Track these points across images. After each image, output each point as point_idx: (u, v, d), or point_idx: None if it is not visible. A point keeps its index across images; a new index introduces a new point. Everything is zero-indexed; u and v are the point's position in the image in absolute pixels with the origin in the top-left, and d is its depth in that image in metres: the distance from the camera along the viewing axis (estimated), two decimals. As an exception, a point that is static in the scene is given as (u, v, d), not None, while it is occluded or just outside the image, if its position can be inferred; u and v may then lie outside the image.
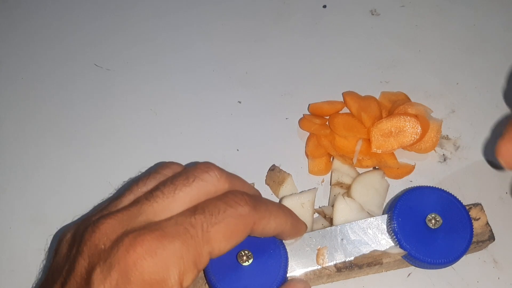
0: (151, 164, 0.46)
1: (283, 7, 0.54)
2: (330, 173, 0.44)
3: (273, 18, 0.53)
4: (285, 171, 0.44)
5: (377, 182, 0.42)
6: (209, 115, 0.48)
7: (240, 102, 0.49)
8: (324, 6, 0.54)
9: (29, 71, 0.51)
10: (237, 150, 0.47)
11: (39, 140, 0.48)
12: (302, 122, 0.47)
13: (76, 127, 0.48)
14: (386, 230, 0.38)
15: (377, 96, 0.48)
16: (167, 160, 0.46)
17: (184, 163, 0.46)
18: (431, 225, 0.37)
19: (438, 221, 0.37)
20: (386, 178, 0.43)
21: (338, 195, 0.41)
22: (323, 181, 0.44)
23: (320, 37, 0.52)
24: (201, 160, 0.46)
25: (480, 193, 0.43)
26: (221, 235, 0.29)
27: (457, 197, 0.39)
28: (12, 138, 0.48)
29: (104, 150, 0.47)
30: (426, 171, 0.45)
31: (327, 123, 0.46)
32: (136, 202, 0.31)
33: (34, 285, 0.40)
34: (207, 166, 0.32)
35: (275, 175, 0.44)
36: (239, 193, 0.31)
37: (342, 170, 0.44)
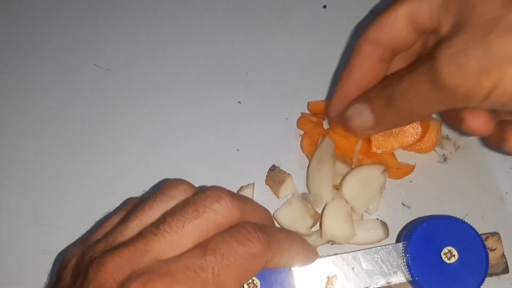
0: (152, 164, 0.46)
1: (283, 7, 0.54)
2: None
3: (273, 18, 0.53)
4: (285, 171, 0.44)
5: (372, 177, 0.42)
6: (209, 115, 0.48)
7: (240, 102, 0.49)
8: (324, 6, 0.54)
9: (29, 72, 0.51)
10: (237, 150, 0.47)
11: (39, 140, 0.48)
12: (299, 121, 0.47)
13: (76, 127, 0.48)
14: (399, 259, 0.37)
15: (377, 96, 0.48)
16: (167, 161, 0.46)
17: (184, 163, 0.46)
18: (446, 260, 0.36)
19: (454, 255, 0.36)
20: (385, 176, 0.43)
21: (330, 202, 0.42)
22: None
23: (320, 37, 0.52)
24: (201, 160, 0.46)
25: (480, 193, 0.43)
26: (232, 277, 0.28)
27: (471, 224, 0.38)
28: (12, 138, 0.48)
29: (104, 150, 0.47)
30: (426, 171, 0.45)
31: (323, 122, 0.46)
32: (142, 236, 0.29)
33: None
34: (218, 194, 0.30)
35: (275, 175, 0.44)
36: (251, 228, 0.30)
37: (340, 171, 0.44)
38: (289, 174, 0.44)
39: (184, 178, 0.33)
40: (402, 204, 0.44)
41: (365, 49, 0.37)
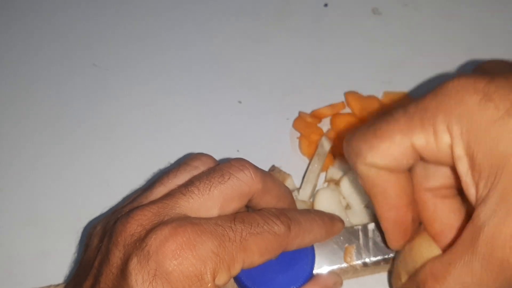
0: (151, 164, 0.45)
1: (284, 6, 0.54)
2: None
3: (274, 18, 0.53)
4: (285, 172, 0.44)
5: None
6: (209, 116, 0.48)
7: (240, 102, 0.49)
8: (326, 5, 0.54)
9: (27, 71, 0.51)
10: (238, 151, 0.46)
11: (37, 140, 0.48)
12: (294, 121, 0.47)
13: (74, 127, 0.48)
14: None
15: (379, 96, 0.48)
16: (167, 161, 0.46)
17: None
18: None
19: None
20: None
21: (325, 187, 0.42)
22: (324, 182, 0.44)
23: (321, 37, 0.52)
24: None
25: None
26: (257, 247, 0.29)
27: None
28: (10, 139, 0.48)
29: (103, 150, 0.47)
30: (429, 172, 0.44)
31: (319, 124, 0.46)
32: (170, 195, 0.30)
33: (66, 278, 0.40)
34: (242, 164, 0.32)
35: (275, 175, 0.44)
36: (274, 211, 0.32)
37: (340, 168, 0.43)
38: (289, 174, 0.44)
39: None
40: (404, 205, 0.43)
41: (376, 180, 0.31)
